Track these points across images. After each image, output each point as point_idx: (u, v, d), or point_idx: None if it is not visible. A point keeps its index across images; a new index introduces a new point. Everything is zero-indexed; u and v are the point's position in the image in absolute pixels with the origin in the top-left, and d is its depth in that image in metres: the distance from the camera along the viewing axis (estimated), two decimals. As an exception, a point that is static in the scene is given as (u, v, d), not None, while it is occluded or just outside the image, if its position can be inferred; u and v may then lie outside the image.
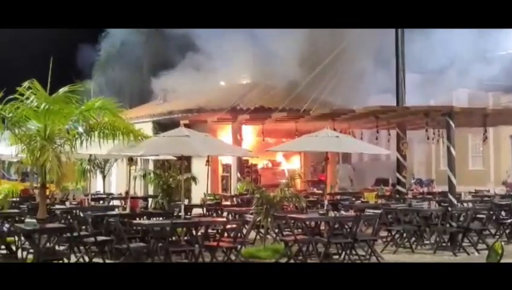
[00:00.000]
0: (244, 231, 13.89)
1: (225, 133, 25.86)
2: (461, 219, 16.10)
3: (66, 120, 12.69)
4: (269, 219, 14.64)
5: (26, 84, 12.27)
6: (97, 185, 24.65)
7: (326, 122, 20.33)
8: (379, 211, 14.75)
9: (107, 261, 12.69)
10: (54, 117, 12.34)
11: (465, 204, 18.84)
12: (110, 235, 13.23)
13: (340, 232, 14.25)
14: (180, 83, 30.17)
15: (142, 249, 12.71)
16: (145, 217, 15.00)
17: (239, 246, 13.15)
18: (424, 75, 29.74)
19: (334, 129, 18.26)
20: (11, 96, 12.23)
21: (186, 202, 16.91)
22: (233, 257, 12.94)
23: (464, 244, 15.25)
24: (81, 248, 13.26)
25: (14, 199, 17.54)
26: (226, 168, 26.36)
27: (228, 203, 20.28)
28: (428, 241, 15.97)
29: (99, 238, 12.99)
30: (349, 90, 26.05)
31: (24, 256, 12.57)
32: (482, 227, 16.15)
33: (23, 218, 13.89)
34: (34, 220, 11.79)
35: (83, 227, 13.86)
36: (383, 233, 15.96)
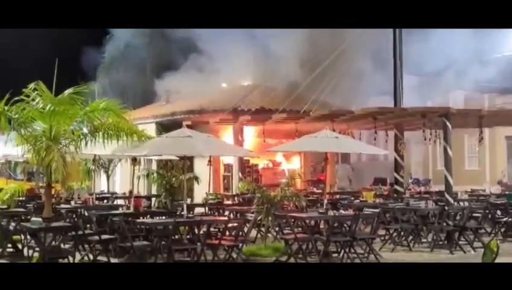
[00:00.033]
0: (246, 229, 13.88)
1: (227, 134, 25.87)
2: (457, 217, 16.09)
3: (71, 121, 12.69)
4: (270, 218, 14.62)
5: (32, 86, 12.27)
6: (101, 184, 24.64)
7: (325, 123, 20.32)
8: (377, 210, 14.75)
9: (111, 259, 12.68)
10: (59, 118, 12.34)
11: (461, 203, 18.85)
12: (114, 234, 13.23)
13: (339, 230, 14.25)
14: (182, 85, 30.18)
15: (146, 247, 12.70)
16: (148, 216, 14.98)
17: (240, 245, 13.14)
18: (422, 77, 29.70)
19: (333, 130, 18.24)
20: (17, 98, 12.23)
21: (188, 201, 16.91)
22: (234, 255, 12.93)
23: (460, 242, 15.25)
24: (86, 246, 13.25)
25: (20, 198, 17.59)
26: (228, 168, 26.35)
27: (230, 202, 20.27)
28: (425, 240, 15.96)
29: (104, 236, 12.98)
30: (348, 92, 26.04)
31: (30, 254, 12.59)
32: (478, 226, 16.14)
33: (29, 217, 13.89)
34: (40, 219, 11.80)
35: (88, 226, 13.86)
36: (381, 231, 15.94)
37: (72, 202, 17.64)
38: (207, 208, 17.86)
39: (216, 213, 17.53)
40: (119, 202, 19.85)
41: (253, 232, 15.48)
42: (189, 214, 14.20)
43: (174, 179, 17.76)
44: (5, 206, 15.96)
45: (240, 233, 13.39)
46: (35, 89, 12.27)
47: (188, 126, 15.10)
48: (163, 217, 14.63)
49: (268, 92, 25.85)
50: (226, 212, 17.49)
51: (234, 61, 29.00)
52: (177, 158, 18.44)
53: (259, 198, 14.86)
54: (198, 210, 17.66)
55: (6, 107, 12.11)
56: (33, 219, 12.12)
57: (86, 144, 12.91)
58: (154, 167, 23.23)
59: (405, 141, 22.54)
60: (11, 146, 13.40)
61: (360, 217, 14.16)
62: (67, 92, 12.53)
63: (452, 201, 18.20)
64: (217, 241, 12.95)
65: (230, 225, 13.74)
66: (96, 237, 12.95)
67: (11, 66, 38.13)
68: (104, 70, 42.69)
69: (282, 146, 19.68)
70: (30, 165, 14.62)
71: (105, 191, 22.87)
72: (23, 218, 14.57)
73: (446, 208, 16.24)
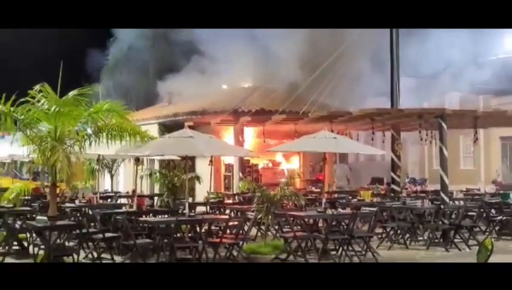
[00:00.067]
0: (246, 227, 13.88)
1: (228, 135, 25.87)
2: (453, 216, 16.09)
3: (75, 122, 12.69)
4: (269, 217, 14.62)
5: (37, 87, 12.27)
6: (105, 184, 24.64)
7: (324, 124, 20.29)
8: (374, 209, 14.75)
9: (115, 257, 12.68)
10: (64, 119, 12.34)
11: (456, 202, 18.85)
12: (118, 232, 13.23)
13: (337, 229, 14.24)
14: (184, 87, 30.15)
15: (148, 245, 12.71)
16: (151, 215, 14.98)
17: (241, 242, 13.15)
18: (418, 79, 29.69)
19: (332, 130, 18.22)
20: (23, 99, 12.24)
21: (190, 200, 16.89)
22: (235, 253, 12.94)
23: (455, 240, 15.25)
24: (90, 244, 13.26)
25: (26, 197, 17.58)
26: (229, 167, 26.34)
27: (230, 201, 20.29)
28: (421, 238, 15.96)
29: (107, 234, 12.99)
30: (347, 93, 26.02)
31: (35, 252, 12.58)
32: (472, 224, 16.13)
33: (34, 215, 13.91)
34: (45, 218, 11.81)
35: (92, 224, 13.85)
36: (379, 230, 15.93)
37: (77, 201, 17.64)
38: (208, 207, 17.86)
39: (217, 212, 17.52)
40: (123, 201, 19.84)
41: (254, 231, 15.47)
42: (191, 213, 14.19)
43: (176, 178, 17.73)
44: (11, 205, 15.97)
45: (241, 231, 13.39)
46: (40, 91, 12.28)
47: (190, 127, 15.08)
48: (166, 216, 14.64)
49: (268, 94, 25.84)
50: (227, 211, 17.48)
51: (235, 63, 28.99)
52: (179, 158, 18.40)
53: (259, 197, 14.85)
54: (200, 209, 17.65)
55: (12, 108, 12.11)
56: (38, 217, 12.13)
57: (90, 144, 12.92)
58: (156, 166, 23.22)
59: (402, 142, 22.51)
60: (17, 146, 13.41)
61: (357, 216, 14.15)
62: (71, 93, 12.53)
63: (448, 200, 18.20)
64: (218, 239, 12.95)
65: (231, 223, 13.73)
66: (100, 235, 12.95)
67: (17, 68, 38.17)
68: (108, 73, 42.69)
69: (282, 146, 19.66)
70: (35, 165, 14.61)
71: (109, 190, 22.85)
72: (28, 216, 14.59)
73: (442, 206, 16.23)
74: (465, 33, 24.86)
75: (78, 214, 15.06)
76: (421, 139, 21.35)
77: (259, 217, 14.61)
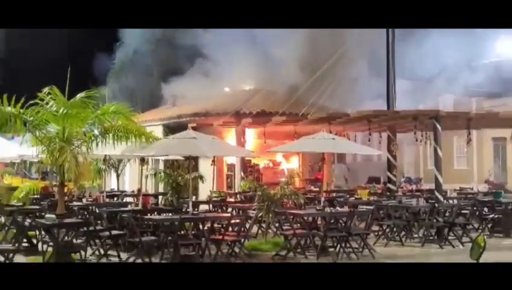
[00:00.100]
0: (247, 225, 13.88)
1: (230, 136, 25.88)
2: (447, 214, 16.07)
3: (82, 123, 12.68)
4: (270, 215, 14.64)
5: (46, 90, 12.27)
6: (111, 183, 24.64)
7: (322, 125, 20.29)
8: (371, 207, 14.74)
9: (121, 253, 12.68)
10: (72, 120, 12.33)
11: (450, 201, 18.84)
12: (124, 230, 13.23)
13: (335, 226, 14.22)
14: (188, 89, 30.18)
15: (153, 242, 12.71)
16: (155, 213, 14.99)
17: (242, 240, 13.15)
18: (414, 82, 29.72)
19: (330, 132, 18.23)
20: (32, 102, 12.25)
21: (193, 198, 16.89)
22: (237, 250, 12.94)
23: (449, 237, 15.24)
24: (97, 241, 13.27)
25: (35, 196, 17.61)
26: (231, 167, 26.34)
27: (232, 200, 20.28)
28: (416, 235, 15.95)
29: (114, 232, 12.99)
30: (345, 95, 26.03)
31: (44, 249, 12.59)
32: (466, 222, 16.13)
33: (43, 214, 13.90)
34: (54, 216, 11.80)
35: (99, 222, 13.85)
36: (375, 227, 15.93)
37: (84, 200, 17.66)
38: (211, 205, 17.85)
39: (219, 210, 17.53)
40: (128, 199, 19.83)
41: (255, 228, 15.48)
42: (194, 211, 14.19)
43: (180, 178, 17.77)
44: (20, 204, 15.98)
45: (242, 229, 13.40)
46: (49, 93, 12.27)
47: (193, 128, 15.09)
48: (170, 214, 14.63)
49: (269, 96, 25.85)
50: (229, 209, 17.48)
51: (237, 67, 29.01)
52: (183, 158, 18.42)
53: (260, 196, 14.87)
54: (203, 207, 17.64)
55: (22, 110, 12.11)
56: (47, 215, 12.12)
57: (97, 144, 12.91)
58: (161, 166, 23.25)
59: (397, 142, 22.54)
60: (27, 147, 13.40)
61: (355, 214, 14.16)
62: (79, 96, 12.53)
63: (442, 199, 18.23)
64: (220, 237, 12.94)
65: (233, 221, 13.72)
66: (107, 233, 12.96)
67: (27, 72, 38.21)
68: (114, 76, 42.73)
69: (282, 147, 19.67)
70: (44, 165, 14.56)
71: (115, 189, 22.87)
72: (37, 215, 14.59)
73: (436, 205, 16.23)
74: (459, 37, 24.90)
75: (86, 212, 15.06)
76: (416, 140, 21.35)
77: (260, 215, 14.62)
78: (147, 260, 12.07)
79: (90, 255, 12.69)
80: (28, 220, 13.70)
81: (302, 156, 27.76)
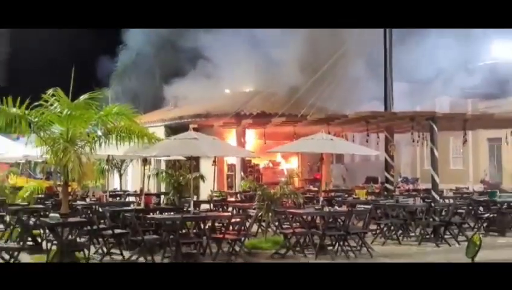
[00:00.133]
0: (247, 224, 13.88)
1: (230, 136, 25.86)
2: (443, 213, 16.08)
3: (86, 124, 12.71)
4: (270, 214, 14.62)
5: (50, 91, 12.29)
6: (114, 183, 24.64)
7: (321, 126, 20.34)
8: (369, 207, 14.74)
9: (124, 252, 12.68)
10: (76, 122, 12.36)
11: (446, 200, 18.82)
12: (126, 229, 13.23)
13: (334, 225, 14.23)
14: (189, 91, 30.15)
15: (155, 241, 12.71)
16: (157, 212, 14.99)
17: (243, 238, 13.14)
18: (411, 84, 29.72)
19: (329, 132, 18.26)
20: (36, 103, 12.26)
21: (195, 198, 16.90)
22: (237, 248, 12.93)
23: (445, 236, 15.23)
24: (100, 239, 13.28)
25: (40, 196, 17.61)
26: (231, 167, 26.34)
27: (233, 199, 20.27)
28: (413, 234, 15.95)
29: (117, 231, 12.99)
30: (344, 97, 26.01)
31: (48, 247, 12.59)
32: (462, 221, 16.13)
33: (47, 213, 13.89)
34: (58, 215, 11.79)
35: (102, 221, 13.86)
36: (373, 226, 15.93)
37: (87, 199, 17.66)
38: (212, 205, 17.84)
39: (220, 209, 17.50)
40: (131, 199, 19.83)
41: (255, 227, 15.46)
42: (196, 210, 14.20)
43: (181, 177, 17.76)
44: (25, 203, 15.99)
45: (243, 228, 13.39)
46: (53, 95, 12.30)
47: (195, 129, 15.16)
48: (172, 213, 14.63)
49: (269, 98, 25.84)
50: (230, 209, 17.46)
51: (237, 69, 29.00)
52: (185, 158, 18.42)
53: (260, 195, 14.86)
54: (204, 207, 17.63)
55: (26, 112, 12.14)
56: (51, 214, 12.11)
57: (100, 145, 12.93)
58: (163, 166, 23.23)
59: (395, 143, 22.51)
60: (31, 147, 13.41)
61: (353, 213, 14.15)
62: (82, 97, 12.55)
63: (438, 198, 18.20)
64: (221, 235, 12.94)
65: (233, 220, 13.73)
66: (110, 232, 12.97)
67: (32, 74, 38.21)
68: (117, 78, 42.70)
69: (282, 147, 19.66)
70: (48, 165, 14.60)
71: (118, 189, 22.86)
72: (42, 214, 14.58)
73: (432, 204, 16.22)
74: (455, 40, 24.92)
75: (89, 212, 15.05)
76: (413, 141, 21.35)
77: (260, 214, 14.61)
78: (149, 258, 12.08)
79: (94, 254, 12.68)
80: (33, 219, 13.68)
81: (301, 157, 27.75)
